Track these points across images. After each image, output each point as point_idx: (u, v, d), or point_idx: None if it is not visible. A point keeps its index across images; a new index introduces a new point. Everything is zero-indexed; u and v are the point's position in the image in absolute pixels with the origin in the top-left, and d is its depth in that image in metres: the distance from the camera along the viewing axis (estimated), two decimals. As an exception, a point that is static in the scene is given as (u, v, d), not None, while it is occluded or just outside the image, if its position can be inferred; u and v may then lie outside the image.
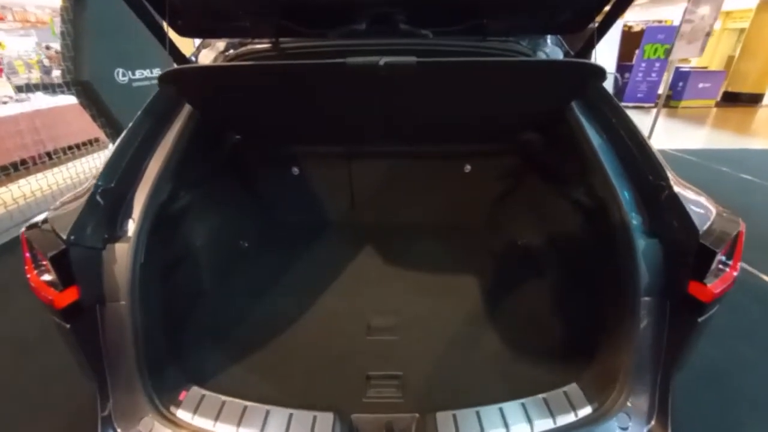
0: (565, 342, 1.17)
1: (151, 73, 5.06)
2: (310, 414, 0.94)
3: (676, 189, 0.96)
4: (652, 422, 0.91)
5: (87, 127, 6.01)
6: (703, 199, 0.98)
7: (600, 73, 1.21)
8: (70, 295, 0.90)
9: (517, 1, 1.27)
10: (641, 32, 10.43)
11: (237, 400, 0.98)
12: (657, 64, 10.04)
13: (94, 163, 4.81)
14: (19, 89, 6.52)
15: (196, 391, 1.00)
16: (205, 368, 1.13)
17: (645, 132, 4.53)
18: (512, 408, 0.93)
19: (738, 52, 11.22)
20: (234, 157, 1.71)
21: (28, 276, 0.91)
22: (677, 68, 11.46)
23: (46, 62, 8.17)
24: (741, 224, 0.92)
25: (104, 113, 4.31)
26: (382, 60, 1.05)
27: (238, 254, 1.62)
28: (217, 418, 0.93)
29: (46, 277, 0.89)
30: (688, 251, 0.90)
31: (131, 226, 1.01)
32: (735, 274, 0.89)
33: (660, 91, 5.03)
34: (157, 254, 1.09)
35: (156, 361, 1.00)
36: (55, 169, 4.28)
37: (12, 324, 2.26)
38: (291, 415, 0.93)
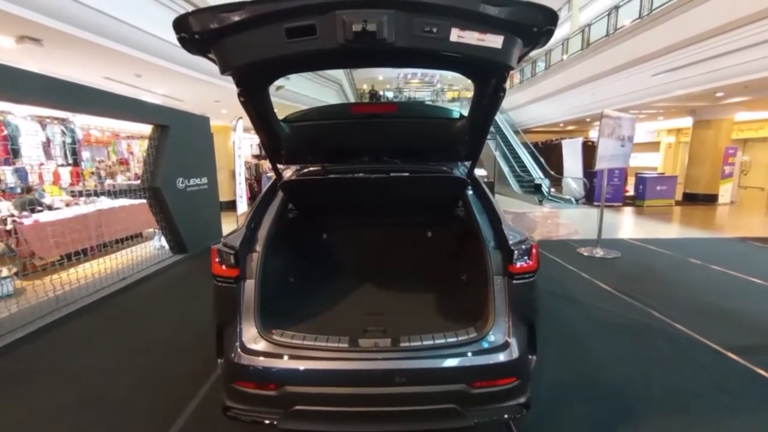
0: (469, 308, 2.04)
1: (200, 180, 6.40)
2: (338, 337, 1.79)
3: (504, 227, 1.96)
4: (505, 338, 1.74)
5: (133, 224, 7.22)
6: (518, 231, 1.96)
7: (462, 180, 2.38)
8: (235, 272, 1.83)
9: (434, 150, 2.58)
10: (600, 146, 12.41)
11: (300, 333, 1.82)
12: (617, 171, 11.76)
13: (139, 252, 5.71)
14: (72, 194, 7.92)
15: (279, 330, 1.83)
16: (283, 321, 1.95)
17: (596, 224, 5.76)
18: (438, 335, 1.77)
19: (687, 161, 13.10)
20: (290, 226, 2.82)
21: (214, 265, 1.85)
22: (637, 174, 13.31)
23: (102, 174, 9.72)
24: (535, 243, 1.87)
25: (164, 210, 5.48)
26: (373, 175, 2.34)
27: (286, 286, 2.52)
28: (291, 339, 1.77)
29: (222, 266, 1.85)
30: (507, 252, 1.85)
31: (258, 247, 1.99)
32: (531, 263, 1.84)
33: (603, 193, 6.30)
34: (265, 263, 2.02)
35: (262, 312, 1.85)
36: (107, 257, 5.23)
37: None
38: (328, 337, 1.78)
